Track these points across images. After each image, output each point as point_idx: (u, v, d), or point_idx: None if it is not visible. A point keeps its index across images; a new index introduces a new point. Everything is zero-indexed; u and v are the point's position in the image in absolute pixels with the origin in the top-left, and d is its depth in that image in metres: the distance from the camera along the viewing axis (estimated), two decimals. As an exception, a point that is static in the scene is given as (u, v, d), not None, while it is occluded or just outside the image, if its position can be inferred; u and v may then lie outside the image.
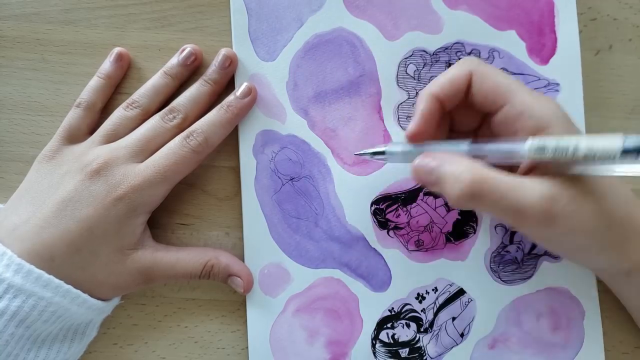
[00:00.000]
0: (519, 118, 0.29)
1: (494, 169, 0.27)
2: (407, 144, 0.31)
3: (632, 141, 0.24)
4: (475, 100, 0.31)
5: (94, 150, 0.34)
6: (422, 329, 0.36)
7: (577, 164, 0.26)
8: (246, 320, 0.36)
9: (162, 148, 0.34)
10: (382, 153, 0.32)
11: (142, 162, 0.33)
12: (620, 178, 0.29)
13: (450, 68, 0.31)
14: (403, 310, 0.36)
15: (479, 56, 0.36)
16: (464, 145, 0.29)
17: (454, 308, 0.36)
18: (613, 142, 0.24)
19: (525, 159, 0.27)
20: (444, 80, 0.31)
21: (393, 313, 0.36)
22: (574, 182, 0.28)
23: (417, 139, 0.31)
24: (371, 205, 0.36)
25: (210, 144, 0.34)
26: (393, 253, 0.36)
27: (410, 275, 0.36)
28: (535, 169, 0.30)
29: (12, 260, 0.30)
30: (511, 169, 0.30)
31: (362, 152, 0.33)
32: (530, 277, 0.36)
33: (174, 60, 0.36)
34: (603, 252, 0.30)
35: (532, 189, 0.27)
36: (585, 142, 0.25)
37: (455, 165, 0.28)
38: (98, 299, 0.33)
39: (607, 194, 0.29)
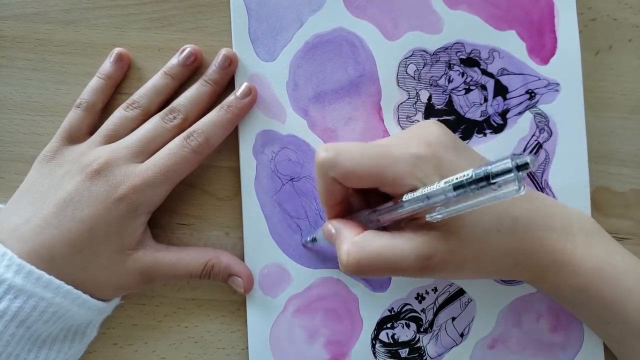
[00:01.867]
0: (397, 190, 0.29)
1: (377, 237, 0.29)
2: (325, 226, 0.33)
3: (479, 170, 0.24)
4: (355, 190, 0.32)
5: (94, 151, 0.34)
6: (421, 329, 0.36)
7: (456, 205, 0.26)
8: (246, 320, 0.36)
9: (163, 148, 0.34)
10: (315, 240, 0.35)
11: (142, 162, 0.33)
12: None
13: (317, 179, 0.31)
14: (403, 310, 0.36)
15: (479, 56, 0.36)
16: (362, 216, 0.32)
17: (453, 308, 0.36)
18: (477, 172, 0.24)
19: (409, 214, 0.29)
20: (321, 195, 0.32)
21: (393, 313, 0.36)
22: (452, 235, 0.29)
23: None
24: (371, 206, 0.36)
25: (210, 145, 0.34)
26: (393, 253, 0.36)
27: (410, 275, 0.36)
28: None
29: (12, 261, 0.30)
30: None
31: (303, 242, 0.36)
32: (530, 277, 0.36)
33: (174, 60, 0.36)
34: (493, 277, 0.35)
35: (406, 251, 0.29)
36: (450, 184, 0.25)
37: (342, 240, 0.30)
38: (98, 299, 0.33)
39: (486, 235, 0.30)
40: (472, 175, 0.24)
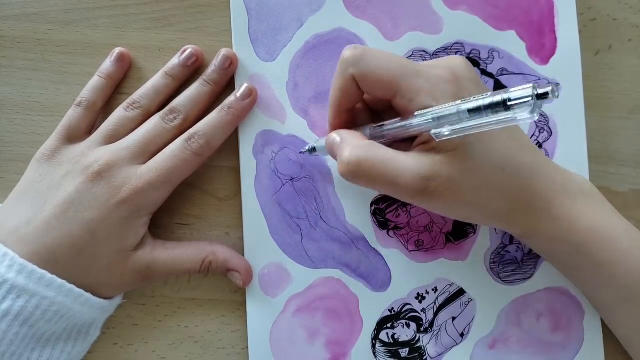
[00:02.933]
0: (410, 104, 0.29)
1: (381, 148, 0.29)
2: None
3: (517, 93, 0.23)
4: (369, 98, 0.32)
5: (94, 152, 0.34)
6: (422, 329, 0.36)
7: (468, 127, 0.25)
8: (246, 320, 0.36)
9: (164, 150, 0.34)
10: (314, 149, 0.35)
11: (143, 163, 0.33)
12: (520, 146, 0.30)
13: (335, 78, 0.32)
14: (403, 310, 0.36)
15: (479, 57, 0.36)
16: (367, 130, 0.32)
17: (454, 308, 0.36)
18: (495, 96, 0.24)
19: (417, 132, 0.28)
20: (334, 94, 0.32)
21: (393, 313, 0.36)
22: (457, 161, 0.28)
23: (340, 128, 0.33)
24: (371, 205, 0.36)
25: (211, 146, 0.34)
26: (393, 253, 0.36)
27: (410, 275, 0.36)
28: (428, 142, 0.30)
29: (14, 261, 0.31)
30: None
31: (302, 150, 0.36)
32: (530, 277, 0.36)
33: (175, 60, 0.36)
34: (488, 221, 0.33)
35: (408, 168, 0.29)
36: (467, 105, 0.25)
37: (346, 145, 0.30)
38: (100, 297, 0.33)
39: (491, 167, 0.29)
40: (490, 99, 0.24)
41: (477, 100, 0.25)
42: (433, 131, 0.26)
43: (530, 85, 0.23)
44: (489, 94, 0.24)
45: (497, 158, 0.30)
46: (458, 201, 0.30)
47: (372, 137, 0.31)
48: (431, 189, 0.28)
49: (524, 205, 0.31)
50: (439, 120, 0.26)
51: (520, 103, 0.23)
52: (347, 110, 0.32)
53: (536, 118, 0.23)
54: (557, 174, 0.32)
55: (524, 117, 0.23)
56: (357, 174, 0.29)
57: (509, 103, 0.23)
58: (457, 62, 0.31)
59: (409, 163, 0.29)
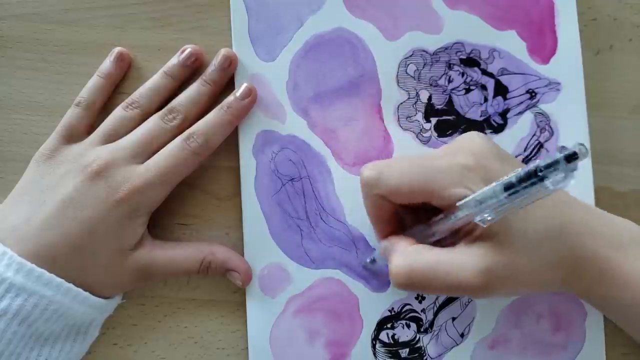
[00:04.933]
0: (450, 200, 0.29)
1: (428, 251, 0.29)
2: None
3: (529, 167, 0.23)
4: (405, 207, 0.32)
5: (93, 151, 0.34)
6: (422, 329, 0.36)
7: (508, 205, 0.25)
8: (246, 321, 0.36)
9: (163, 150, 0.34)
10: (374, 260, 0.35)
11: (142, 163, 0.33)
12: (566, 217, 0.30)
13: (363, 199, 0.32)
14: (403, 310, 0.36)
15: (479, 56, 0.36)
16: (417, 231, 0.31)
17: (454, 308, 0.36)
18: (525, 170, 0.24)
19: (463, 222, 0.28)
20: (370, 213, 0.32)
21: (393, 313, 0.36)
22: (506, 244, 0.28)
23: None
24: (371, 206, 0.36)
25: (210, 146, 0.34)
26: (393, 253, 0.36)
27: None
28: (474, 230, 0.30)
29: (12, 259, 0.30)
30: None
31: (363, 263, 0.36)
32: (530, 277, 0.36)
33: (174, 60, 0.36)
34: (547, 291, 0.34)
35: (465, 267, 0.28)
36: (501, 184, 0.25)
37: (394, 253, 0.30)
38: (99, 296, 0.33)
39: (539, 246, 0.29)
40: (521, 173, 0.24)
41: (509, 177, 0.24)
42: (477, 218, 0.26)
43: (557, 152, 0.22)
44: (520, 169, 0.24)
45: (537, 229, 0.29)
46: (520, 282, 0.29)
47: (424, 238, 0.31)
48: (493, 281, 0.28)
49: (576, 270, 0.30)
50: (481, 205, 0.26)
51: (552, 170, 0.22)
52: (388, 221, 0.32)
53: (572, 182, 0.22)
54: (604, 225, 0.31)
55: (559, 185, 0.23)
56: (410, 282, 0.29)
57: (540, 173, 0.23)
58: (474, 141, 0.31)
59: (463, 259, 0.28)
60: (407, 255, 0.29)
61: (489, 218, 0.26)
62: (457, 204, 0.28)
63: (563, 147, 0.22)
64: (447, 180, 0.29)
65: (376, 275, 0.36)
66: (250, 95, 0.35)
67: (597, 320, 0.36)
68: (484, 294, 0.29)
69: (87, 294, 0.32)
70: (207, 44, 0.37)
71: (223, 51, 0.36)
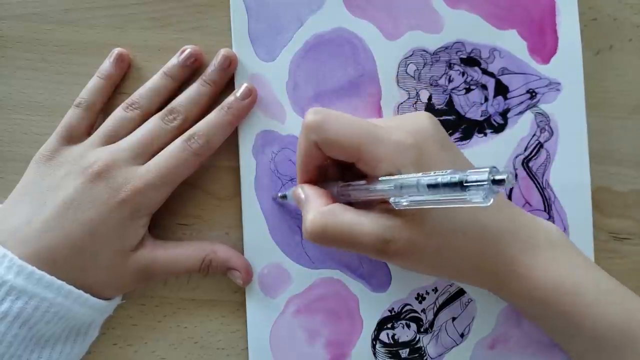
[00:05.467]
0: (373, 170, 0.29)
1: (345, 211, 0.30)
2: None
3: (457, 175, 0.24)
4: (334, 160, 0.32)
5: (94, 152, 0.34)
6: (422, 329, 0.36)
7: (425, 200, 0.26)
8: (246, 321, 0.36)
9: (163, 151, 0.34)
10: (285, 197, 0.35)
11: (143, 164, 0.33)
12: (483, 210, 0.29)
13: (299, 140, 0.32)
14: (403, 310, 0.36)
15: (480, 56, 0.36)
16: (334, 187, 0.32)
17: (454, 308, 0.36)
18: (453, 176, 0.24)
19: (380, 197, 0.29)
20: (299, 154, 0.32)
21: (393, 313, 0.36)
22: (415, 225, 0.29)
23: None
24: (371, 206, 0.36)
25: (211, 146, 0.34)
26: (393, 253, 0.36)
27: (410, 275, 0.36)
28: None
29: (13, 262, 0.30)
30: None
31: (273, 196, 0.36)
32: (530, 277, 0.36)
33: (174, 61, 0.36)
34: (453, 279, 0.35)
35: (370, 231, 0.29)
36: (426, 179, 0.25)
37: (310, 207, 0.30)
38: (100, 298, 0.33)
39: (453, 232, 0.30)
40: (448, 177, 0.24)
41: (436, 176, 0.25)
42: (392, 199, 0.27)
43: (487, 169, 0.22)
44: (450, 171, 0.24)
45: (458, 222, 0.30)
46: (419, 262, 0.30)
47: (339, 195, 0.32)
48: (391, 251, 0.29)
49: (487, 267, 0.31)
50: (401, 190, 0.27)
51: (477, 186, 0.23)
52: (314, 169, 0.32)
53: (489, 204, 0.23)
54: (522, 229, 0.32)
55: (477, 201, 0.23)
56: (322, 240, 0.30)
57: (466, 184, 0.23)
58: (422, 121, 0.31)
59: (369, 226, 0.29)
60: (322, 213, 0.30)
61: (404, 204, 0.26)
62: (380, 178, 0.28)
63: (494, 169, 0.23)
64: (380, 151, 0.29)
65: (374, 275, 0.36)
66: (251, 96, 0.35)
67: (597, 320, 0.36)
68: (382, 258, 0.31)
69: (88, 295, 0.32)
70: (207, 44, 0.37)
71: (223, 51, 0.36)
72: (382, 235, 0.29)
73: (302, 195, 0.31)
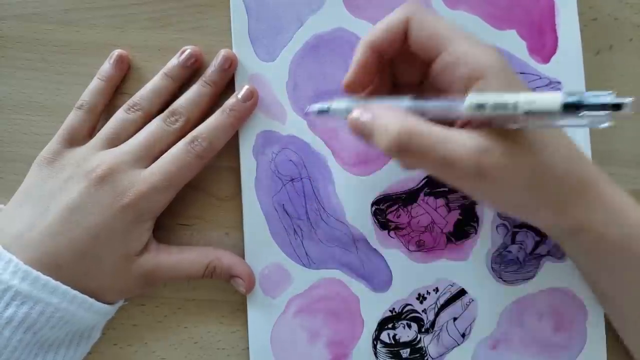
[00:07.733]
0: (454, 66, 0.28)
1: (428, 122, 0.27)
2: (352, 101, 0.30)
3: (573, 97, 0.22)
4: (413, 47, 0.30)
5: (97, 155, 0.33)
6: (423, 330, 0.36)
7: (517, 120, 0.24)
8: (246, 321, 0.36)
9: (166, 153, 0.34)
10: (327, 111, 0.31)
11: (146, 167, 0.33)
12: (561, 132, 0.29)
13: (389, 15, 0.30)
14: (404, 310, 0.36)
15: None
16: (405, 101, 0.28)
17: (455, 308, 0.36)
18: (554, 98, 0.22)
19: (464, 116, 0.26)
20: (380, 27, 0.30)
21: (394, 313, 0.36)
22: (509, 136, 0.27)
23: (354, 88, 0.31)
24: (372, 206, 0.36)
25: (214, 149, 0.34)
26: (394, 253, 0.36)
27: (411, 275, 0.36)
28: (471, 123, 0.28)
29: (18, 267, 0.30)
30: (452, 125, 0.29)
31: (308, 109, 0.33)
32: (532, 277, 0.36)
33: (174, 61, 0.36)
34: (541, 210, 0.29)
35: (463, 142, 0.26)
36: (524, 98, 0.23)
37: (387, 118, 0.27)
38: (103, 302, 0.33)
39: (546, 149, 0.27)
40: (561, 101, 0.22)
41: (547, 103, 0.23)
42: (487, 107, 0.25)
43: (607, 93, 0.21)
44: (558, 94, 0.23)
45: (547, 142, 0.28)
46: (512, 184, 0.27)
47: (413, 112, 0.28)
48: (487, 164, 0.26)
49: (575, 193, 0.29)
50: (495, 110, 0.25)
51: (593, 112, 0.21)
52: (374, 58, 0.30)
53: (606, 124, 0.22)
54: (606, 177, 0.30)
55: (595, 121, 0.22)
56: (407, 148, 0.26)
57: (580, 110, 0.22)
58: (503, 55, 0.29)
59: (461, 137, 0.26)
60: (405, 118, 0.27)
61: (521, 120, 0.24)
62: (469, 95, 0.26)
63: (611, 94, 0.21)
64: (474, 58, 0.27)
65: (375, 275, 0.36)
66: (252, 98, 0.35)
67: (598, 320, 0.36)
68: (477, 182, 0.27)
69: (92, 300, 0.32)
70: (207, 44, 0.37)
71: (223, 52, 0.36)
72: (477, 145, 0.26)
73: (367, 115, 0.28)
